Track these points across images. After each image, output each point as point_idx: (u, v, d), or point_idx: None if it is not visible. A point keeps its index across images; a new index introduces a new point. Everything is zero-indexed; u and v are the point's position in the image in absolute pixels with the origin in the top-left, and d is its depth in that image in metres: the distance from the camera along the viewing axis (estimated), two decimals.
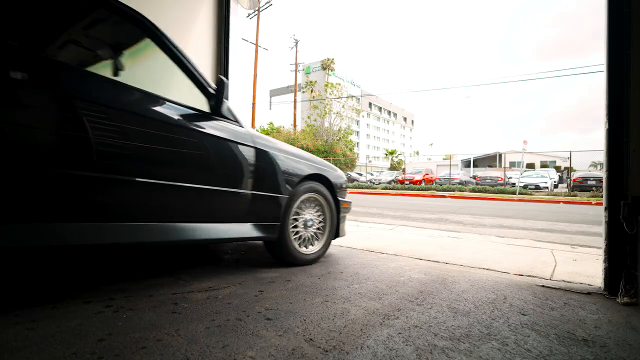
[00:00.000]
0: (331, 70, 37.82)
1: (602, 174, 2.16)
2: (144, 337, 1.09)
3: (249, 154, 1.94)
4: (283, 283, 1.84)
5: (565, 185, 21.73)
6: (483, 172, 26.98)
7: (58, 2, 1.52)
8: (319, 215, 2.39)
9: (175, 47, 1.72)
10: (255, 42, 24.31)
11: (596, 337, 1.33)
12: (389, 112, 70.86)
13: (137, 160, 1.48)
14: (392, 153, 45.46)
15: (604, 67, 2.01)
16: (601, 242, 2.06)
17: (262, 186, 1.99)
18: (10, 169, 1.18)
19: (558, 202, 13.14)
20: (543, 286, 2.11)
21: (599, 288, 2.09)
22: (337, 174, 2.56)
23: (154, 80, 1.86)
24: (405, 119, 76.97)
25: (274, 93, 57.86)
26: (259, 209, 1.98)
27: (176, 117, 1.62)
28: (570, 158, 18.25)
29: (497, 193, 16.77)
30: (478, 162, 43.10)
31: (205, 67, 4.44)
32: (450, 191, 18.29)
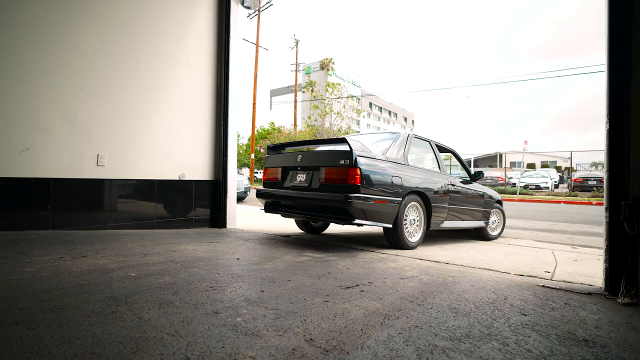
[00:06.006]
0: (330, 70, 37.62)
1: (602, 174, 2.15)
2: (144, 337, 1.09)
3: (482, 194, 4.60)
4: (283, 283, 1.83)
5: (565, 185, 21.70)
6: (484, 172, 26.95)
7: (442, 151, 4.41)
8: (498, 218, 4.98)
9: (459, 156, 4.53)
10: (255, 42, 24.31)
11: (597, 338, 1.33)
12: (390, 112, 70.83)
13: (463, 200, 4.17)
14: None
15: (604, 67, 2.00)
16: (602, 242, 2.05)
17: (486, 206, 4.63)
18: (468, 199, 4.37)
19: (559, 202, 13.12)
20: (544, 286, 2.11)
21: (599, 288, 2.09)
22: (499, 196, 5.20)
23: (447, 166, 5.11)
24: (405, 119, 76.90)
25: (275, 93, 57.78)
26: (485, 215, 4.62)
27: (466, 183, 4.34)
28: (570, 158, 18.24)
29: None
30: (478, 162, 43.02)
31: (206, 67, 4.44)
32: None
